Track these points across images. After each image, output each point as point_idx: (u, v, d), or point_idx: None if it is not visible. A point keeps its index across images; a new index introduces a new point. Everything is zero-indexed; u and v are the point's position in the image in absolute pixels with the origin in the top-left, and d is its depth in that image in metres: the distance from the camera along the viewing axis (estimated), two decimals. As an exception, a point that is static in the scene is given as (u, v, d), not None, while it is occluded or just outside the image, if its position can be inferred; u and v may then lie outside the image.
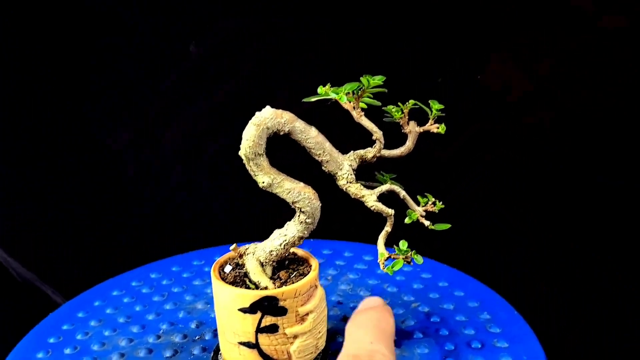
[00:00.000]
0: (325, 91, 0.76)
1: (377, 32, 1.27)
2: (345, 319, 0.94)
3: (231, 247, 0.80)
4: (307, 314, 0.77)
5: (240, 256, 0.80)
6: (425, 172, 1.28)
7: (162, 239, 1.38)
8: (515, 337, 0.90)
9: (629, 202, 1.26)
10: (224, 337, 0.80)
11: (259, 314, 0.76)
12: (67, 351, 0.89)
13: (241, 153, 0.75)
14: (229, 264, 0.81)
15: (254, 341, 0.77)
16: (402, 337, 0.90)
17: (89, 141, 1.36)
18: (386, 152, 0.80)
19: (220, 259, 0.82)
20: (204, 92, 1.34)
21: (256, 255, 0.79)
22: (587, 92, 1.25)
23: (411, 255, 0.78)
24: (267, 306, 0.76)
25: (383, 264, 0.77)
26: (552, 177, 1.31)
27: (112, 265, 1.22)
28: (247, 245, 0.80)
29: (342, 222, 1.19)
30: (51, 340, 0.91)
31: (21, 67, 1.31)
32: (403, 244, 0.79)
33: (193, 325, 0.94)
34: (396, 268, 0.77)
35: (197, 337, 0.91)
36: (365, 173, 0.81)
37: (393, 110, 0.79)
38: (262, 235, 0.81)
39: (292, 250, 0.83)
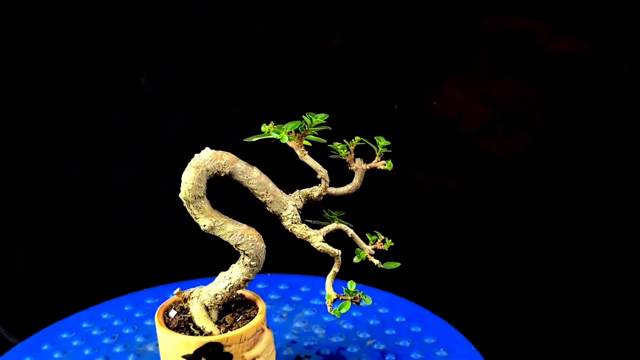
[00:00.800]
0: (268, 130, 0.74)
1: (334, 59, 1.26)
2: (298, 359, 0.92)
3: (175, 292, 0.77)
4: None
5: (185, 300, 0.77)
6: (374, 208, 1.27)
7: (117, 273, 1.36)
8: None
9: (629, 202, 1.26)
10: None
11: (203, 361, 0.74)
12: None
13: (181, 196, 0.73)
14: (174, 308, 0.79)
15: None
16: (355, 377, 0.88)
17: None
18: (333, 190, 0.79)
19: (165, 303, 0.79)
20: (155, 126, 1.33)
21: (201, 299, 0.77)
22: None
23: (359, 296, 0.76)
24: (212, 353, 0.74)
25: (330, 306, 0.75)
26: (541, 177, 1.30)
27: (64, 303, 1.20)
28: (191, 289, 0.78)
29: (300, 252, 1.17)
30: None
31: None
32: (351, 285, 0.77)
33: (142, 369, 0.91)
34: (344, 310, 0.75)
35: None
36: (313, 210, 0.80)
37: (339, 147, 0.77)
38: (218, 269, 0.79)
39: (239, 292, 0.81)
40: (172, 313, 0.78)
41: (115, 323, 1.04)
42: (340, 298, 0.76)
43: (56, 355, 0.96)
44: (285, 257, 1.12)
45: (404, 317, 1.02)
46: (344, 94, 1.25)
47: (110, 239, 1.37)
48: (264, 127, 0.75)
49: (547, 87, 1.21)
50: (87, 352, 0.97)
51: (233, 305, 0.80)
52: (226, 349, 0.74)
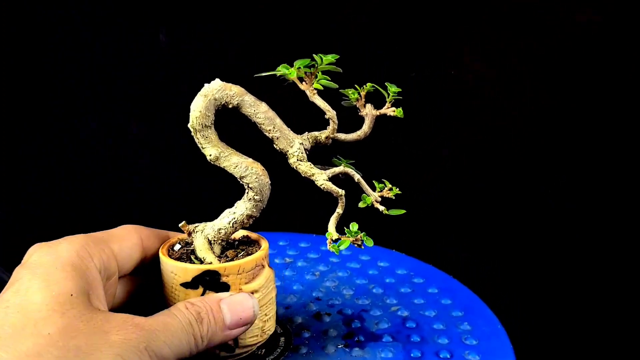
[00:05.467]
0: (279, 69, 0.76)
1: (349, 31, 1.27)
2: (318, 316, 0.92)
3: (180, 225, 0.79)
4: (251, 293, 0.76)
5: (189, 234, 0.79)
6: (385, 161, 1.26)
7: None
8: (490, 351, 0.85)
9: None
10: None
11: (200, 289, 0.75)
12: None
13: (189, 125, 0.75)
14: (179, 243, 0.81)
15: None
16: (369, 339, 0.87)
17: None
18: (342, 136, 0.79)
19: (171, 239, 0.81)
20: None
21: (205, 233, 0.79)
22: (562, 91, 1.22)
23: (361, 237, 0.76)
24: (209, 281, 0.75)
25: (330, 242, 0.75)
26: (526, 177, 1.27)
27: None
28: (196, 224, 0.80)
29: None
30: None
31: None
32: (353, 226, 0.77)
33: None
34: (342, 247, 0.75)
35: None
36: (323, 157, 0.80)
37: (350, 92, 0.78)
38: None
39: (245, 233, 0.82)
40: (177, 247, 0.80)
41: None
42: (341, 238, 0.76)
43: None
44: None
45: (437, 289, 1.00)
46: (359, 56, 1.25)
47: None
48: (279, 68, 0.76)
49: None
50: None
51: (237, 243, 0.81)
52: (224, 279, 0.75)
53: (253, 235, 0.83)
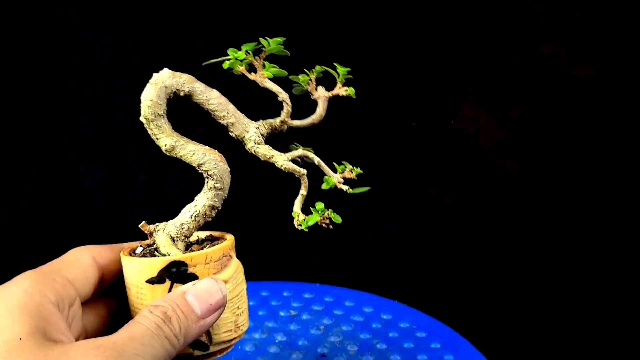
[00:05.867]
0: (229, 53, 0.75)
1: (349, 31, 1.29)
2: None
3: (140, 225, 0.76)
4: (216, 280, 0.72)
5: (150, 234, 0.76)
6: (385, 161, 1.26)
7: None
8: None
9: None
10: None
11: (168, 283, 0.71)
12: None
13: (141, 116, 0.73)
14: (140, 246, 0.77)
15: None
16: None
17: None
18: (297, 122, 0.78)
19: (132, 244, 0.78)
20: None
21: (167, 230, 0.75)
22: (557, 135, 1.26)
23: (328, 214, 0.74)
24: (176, 273, 0.71)
25: (298, 220, 0.73)
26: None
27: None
28: (157, 223, 0.76)
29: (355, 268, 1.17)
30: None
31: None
32: (319, 205, 0.75)
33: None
34: (310, 223, 0.73)
35: None
36: (279, 147, 0.79)
37: (300, 77, 0.78)
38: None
39: (208, 233, 0.79)
40: (139, 250, 0.77)
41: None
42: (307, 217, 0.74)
43: None
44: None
45: (439, 344, 1.01)
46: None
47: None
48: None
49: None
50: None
51: (201, 241, 0.78)
52: (191, 269, 0.71)
53: (216, 233, 0.80)
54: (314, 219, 0.73)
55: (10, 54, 1.34)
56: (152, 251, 0.75)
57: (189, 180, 1.35)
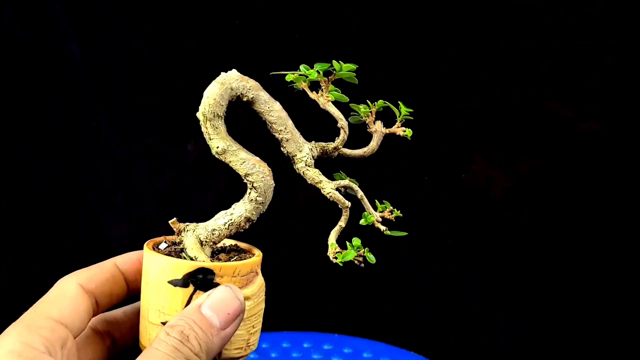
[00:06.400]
0: (301, 70, 0.73)
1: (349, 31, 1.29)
2: None
3: (171, 221, 0.73)
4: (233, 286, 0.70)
5: (179, 233, 0.73)
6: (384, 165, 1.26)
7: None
8: None
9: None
10: (145, 319, 0.71)
11: (190, 289, 0.69)
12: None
13: (200, 111, 0.71)
14: (165, 242, 0.74)
15: None
16: None
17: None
18: (347, 151, 0.77)
19: (156, 238, 0.75)
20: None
21: (196, 232, 0.73)
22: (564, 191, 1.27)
23: (364, 252, 0.72)
24: (202, 280, 0.69)
25: (333, 254, 0.71)
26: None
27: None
28: (187, 223, 0.74)
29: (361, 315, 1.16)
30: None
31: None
32: (356, 241, 0.73)
33: None
34: (347, 258, 0.71)
35: None
36: (326, 173, 0.77)
37: (361, 107, 0.76)
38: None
39: (234, 242, 0.77)
40: (163, 245, 0.74)
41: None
42: (342, 252, 0.73)
43: None
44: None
45: None
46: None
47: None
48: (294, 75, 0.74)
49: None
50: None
51: (228, 249, 0.76)
52: (217, 279, 0.69)
53: (243, 245, 0.77)
54: (351, 255, 0.72)
55: (10, 54, 1.30)
56: (177, 250, 0.73)
57: (189, 182, 1.34)
